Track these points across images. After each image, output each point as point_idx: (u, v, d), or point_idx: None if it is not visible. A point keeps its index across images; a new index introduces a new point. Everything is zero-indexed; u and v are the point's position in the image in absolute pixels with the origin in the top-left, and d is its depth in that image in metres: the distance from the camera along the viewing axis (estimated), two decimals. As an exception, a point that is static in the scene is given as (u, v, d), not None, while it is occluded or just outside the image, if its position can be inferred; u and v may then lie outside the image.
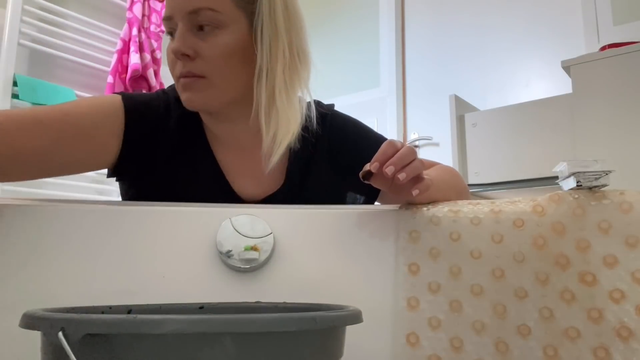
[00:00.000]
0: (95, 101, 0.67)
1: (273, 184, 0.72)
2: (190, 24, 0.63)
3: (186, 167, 0.70)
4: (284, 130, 0.66)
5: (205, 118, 0.71)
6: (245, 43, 0.65)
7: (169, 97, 0.72)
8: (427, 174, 0.59)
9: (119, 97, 0.68)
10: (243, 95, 0.67)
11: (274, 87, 0.65)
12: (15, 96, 1.76)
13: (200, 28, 0.63)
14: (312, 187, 0.74)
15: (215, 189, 0.70)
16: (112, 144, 0.66)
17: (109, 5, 2.13)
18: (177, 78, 0.66)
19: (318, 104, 0.78)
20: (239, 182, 0.71)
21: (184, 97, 0.65)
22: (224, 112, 0.69)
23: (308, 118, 0.72)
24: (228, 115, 0.69)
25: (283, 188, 0.72)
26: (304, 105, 0.72)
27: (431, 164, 0.77)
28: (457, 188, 0.70)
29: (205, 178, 0.70)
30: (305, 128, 0.72)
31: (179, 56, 0.63)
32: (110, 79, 1.97)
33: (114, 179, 0.73)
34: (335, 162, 0.76)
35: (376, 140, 0.79)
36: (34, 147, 0.58)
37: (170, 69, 0.67)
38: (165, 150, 0.69)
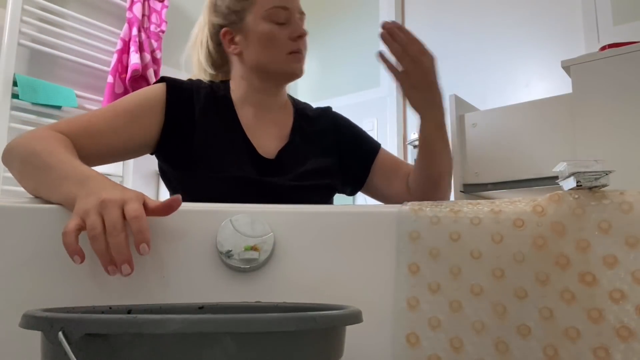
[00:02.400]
0: (140, 90, 0.84)
1: (282, 141, 0.90)
2: (299, 15, 0.89)
3: (216, 127, 0.85)
4: None
5: (250, 88, 0.90)
6: None
7: (199, 80, 0.91)
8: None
9: (162, 81, 0.85)
10: None
11: None
12: (15, 96, 1.76)
13: (301, 18, 0.90)
14: (313, 151, 0.91)
15: (240, 144, 0.86)
16: (157, 119, 0.81)
17: (109, 5, 2.13)
18: (290, 53, 0.86)
19: None
20: (257, 140, 0.87)
21: (296, 67, 0.87)
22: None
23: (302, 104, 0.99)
24: (284, 86, 0.93)
25: (289, 144, 0.89)
26: None
27: None
28: (450, 161, 0.86)
29: (231, 136, 0.86)
30: (305, 107, 0.98)
31: (303, 37, 0.88)
32: (110, 79, 1.97)
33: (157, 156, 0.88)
34: (340, 134, 0.96)
35: (367, 135, 1.01)
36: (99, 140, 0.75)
37: (275, 46, 0.86)
38: (199, 113, 0.85)
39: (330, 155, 0.92)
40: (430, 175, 0.84)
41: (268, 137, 0.88)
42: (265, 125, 0.89)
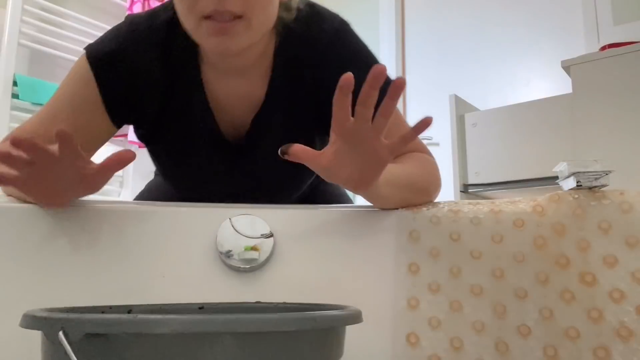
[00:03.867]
0: (69, 76, 0.65)
1: (254, 112, 0.67)
2: None
3: (176, 104, 0.66)
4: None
5: (202, 50, 0.64)
6: None
7: (141, 23, 0.64)
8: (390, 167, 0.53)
9: (84, 57, 0.63)
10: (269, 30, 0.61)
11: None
12: (15, 96, 1.76)
13: None
14: (297, 110, 0.66)
15: (204, 128, 0.67)
16: (98, 104, 0.63)
17: (109, 5, 2.13)
18: (201, 18, 0.54)
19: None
20: (225, 115, 0.67)
21: (213, 41, 0.56)
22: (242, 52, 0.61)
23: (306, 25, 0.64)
24: (243, 52, 0.61)
25: (261, 116, 0.66)
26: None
27: (413, 147, 0.66)
28: (417, 186, 0.61)
29: (194, 117, 0.66)
30: (299, 45, 0.64)
31: None
32: (110, 79, 1.97)
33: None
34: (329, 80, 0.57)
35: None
36: None
37: (184, 5, 0.56)
38: (150, 91, 0.65)
39: (314, 109, 0.66)
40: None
41: (238, 110, 0.66)
42: (234, 94, 0.66)
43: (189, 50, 0.64)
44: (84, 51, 0.64)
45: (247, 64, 0.64)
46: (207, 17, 0.54)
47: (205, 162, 0.70)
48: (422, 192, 0.62)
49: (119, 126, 0.68)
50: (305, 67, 0.66)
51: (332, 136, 0.49)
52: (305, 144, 0.61)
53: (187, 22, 0.57)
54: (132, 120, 0.69)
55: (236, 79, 0.66)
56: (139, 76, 0.64)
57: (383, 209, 0.61)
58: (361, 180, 0.51)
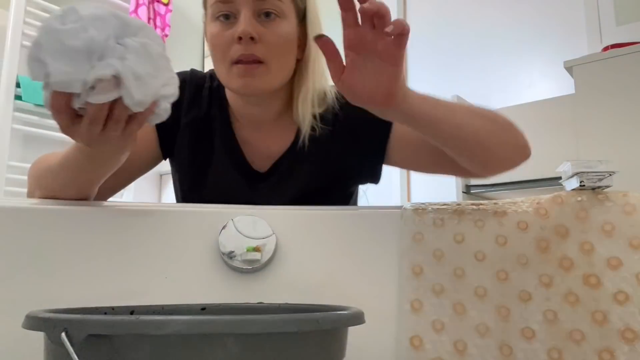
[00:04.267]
0: None
1: (282, 149, 0.75)
2: (256, 10, 0.65)
3: (206, 140, 0.75)
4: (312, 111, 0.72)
5: (234, 98, 0.74)
6: (294, 35, 0.69)
7: (187, 75, 0.77)
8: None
9: None
10: (284, 83, 0.71)
11: (315, 77, 0.72)
12: (18, 97, 1.77)
13: (266, 15, 0.66)
14: (319, 158, 0.73)
15: (232, 162, 0.75)
16: (150, 134, 0.75)
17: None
18: (231, 62, 0.66)
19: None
20: (252, 157, 0.76)
21: (240, 82, 0.66)
22: (262, 96, 0.71)
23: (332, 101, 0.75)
24: (263, 99, 0.72)
25: (290, 149, 0.74)
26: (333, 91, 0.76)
27: None
28: (474, 110, 0.61)
29: (223, 152, 0.76)
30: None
31: (246, 39, 0.64)
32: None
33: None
34: (357, 141, 0.72)
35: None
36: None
37: (219, 53, 0.67)
38: (186, 125, 0.75)
39: (343, 162, 0.74)
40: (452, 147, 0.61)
41: (266, 149, 0.75)
42: (260, 143, 0.75)
43: (222, 100, 0.75)
44: None
45: (268, 119, 0.74)
46: (236, 63, 0.65)
47: (228, 188, 0.75)
48: (488, 118, 0.61)
49: (164, 154, 0.76)
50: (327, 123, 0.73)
51: (346, 52, 0.52)
52: (334, 182, 0.74)
53: (220, 68, 0.68)
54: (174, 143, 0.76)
55: (260, 135, 0.75)
56: (177, 105, 0.75)
57: (387, 210, 0.60)
58: (384, 93, 0.51)
